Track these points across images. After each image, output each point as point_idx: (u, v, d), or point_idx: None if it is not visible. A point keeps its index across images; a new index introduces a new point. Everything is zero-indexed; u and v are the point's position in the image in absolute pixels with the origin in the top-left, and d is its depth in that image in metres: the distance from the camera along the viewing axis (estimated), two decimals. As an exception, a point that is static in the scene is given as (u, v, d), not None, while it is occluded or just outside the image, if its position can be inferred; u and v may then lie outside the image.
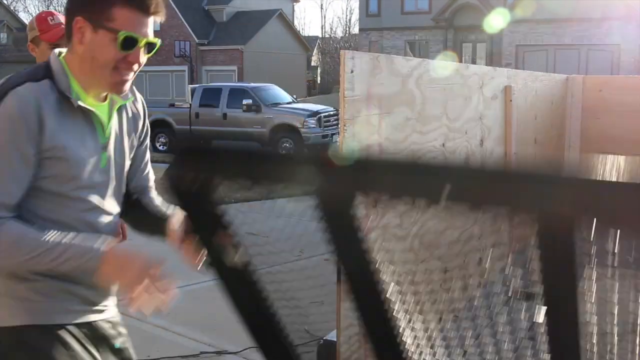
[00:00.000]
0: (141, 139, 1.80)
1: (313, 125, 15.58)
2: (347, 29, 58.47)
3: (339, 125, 2.10)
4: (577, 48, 25.02)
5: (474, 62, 28.03)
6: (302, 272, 5.28)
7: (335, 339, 2.21)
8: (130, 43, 1.53)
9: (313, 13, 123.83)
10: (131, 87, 1.69)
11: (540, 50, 25.87)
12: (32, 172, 1.51)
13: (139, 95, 1.79)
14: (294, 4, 50.14)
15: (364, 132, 2.22)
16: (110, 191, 1.67)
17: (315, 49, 52.82)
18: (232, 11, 41.68)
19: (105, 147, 1.64)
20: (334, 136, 16.15)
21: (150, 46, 1.59)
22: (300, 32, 47.85)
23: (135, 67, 1.58)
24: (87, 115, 1.60)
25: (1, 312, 1.59)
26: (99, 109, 1.62)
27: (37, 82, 1.53)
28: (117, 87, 1.60)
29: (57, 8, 70.63)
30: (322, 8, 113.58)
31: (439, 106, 2.90)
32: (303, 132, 15.49)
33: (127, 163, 1.74)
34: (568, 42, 25.21)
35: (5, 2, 52.83)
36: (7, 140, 1.49)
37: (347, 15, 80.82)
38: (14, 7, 56.43)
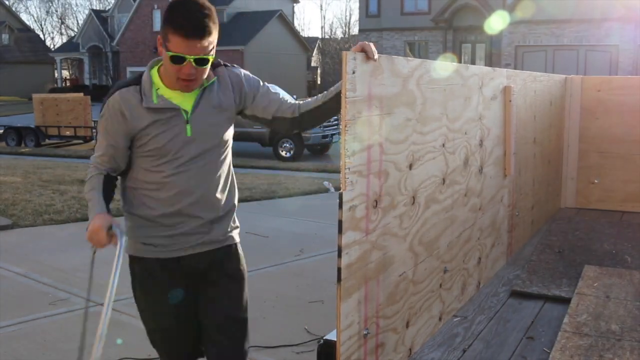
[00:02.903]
0: (243, 95, 2.30)
1: (313, 126, 15.59)
2: (347, 29, 58.52)
3: (340, 126, 2.11)
4: (575, 49, 25.04)
5: (473, 62, 28.07)
6: (302, 272, 5.29)
7: (335, 339, 2.22)
8: (178, 60, 2.07)
9: (313, 14, 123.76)
10: (216, 71, 2.25)
11: (539, 50, 25.89)
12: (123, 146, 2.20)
13: (232, 70, 2.31)
14: (294, 4, 50.15)
15: (365, 132, 2.23)
16: (199, 152, 2.20)
17: (315, 50, 52.84)
18: (232, 12, 41.68)
19: (189, 122, 2.18)
20: (334, 136, 16.17)
21: (201, 61, 2.09)
22: (300, 33, 47.85)
23: (192, 76, 2.10)
24: (170, 105, 2.17)
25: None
26: (181, 98, 2.18)
27: (127, 87, 2.17)
28: (183, 89, 2.17)
29: (57, 9, 70.48)
30: (321, 9, 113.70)
31: (439, 107, 2.91)
32: (303, 133, 15.51)
33: (221, 123, 2.25)
34: (567, 43, 25.23)
35: (7, 3, 52.81)
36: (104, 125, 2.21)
37: (346, 16, 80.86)
38: (16, 8, 56.42)
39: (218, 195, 2.28)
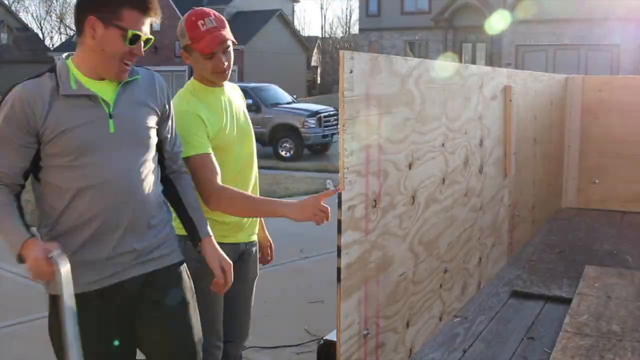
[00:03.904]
0: (161, 108, 2.07)
1: (313, 125, 15.58)
2: (347, 29, 58.50)
3: (339, 125, 2.10)
4: (576, 48, 25.03)
5: (473, 62, 28.06)
6: (302, 272, 5.29)
7: (335, 339, 2.21)
8: (135, 39, 1.89)
9: (313, 13, 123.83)
10: (139, 68, 2.04)
11: (540, 50, 25.88)
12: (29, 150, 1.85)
13: (156, 74, 2.10)
14: (294, 4, 50.13)
15: (363, 132, 2.22)
16: (122, 146, 1.92)
17: (315, 49, 52.83)
18: (232, 11, 41.66)
19: (112, 116, 1.91)
20: (333, 136, 16.16)
21: (146, 41, 1.95)
22: (300, 32, 47.85)
23: (135, 58, 1.93)
24: (90, 96, 1.89)
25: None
26: (102, 88, 1.91)
27: (36, 78, 1.87)
28: (120, 75, 1.93)
29: (58, 8, 70.62)
30: (322, 8, 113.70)
31: (439, 106, 2.90)
32: (303, 132, 15.49)
33: (148, 122, 2.00)
34: (567, 43, 25.22)
35: (5, 2, 52.82)
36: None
37: (347, 16, 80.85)
38: (15, 8, 56.42)
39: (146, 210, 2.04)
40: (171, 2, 40.39)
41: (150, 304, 2.01)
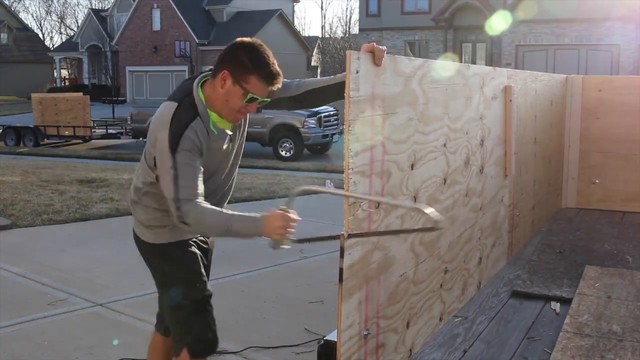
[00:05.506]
0: (246, 124, 2.56)
1: (313, 125, 15.58)
2: (347, 29, 58.49)
3: (343, 126, 2.10)
4: (576, 48, 25.02)
5: (473, 62, 28.04)
6: (302, 272, 5.28)
7: (335, 339, 2.21)
8: (252, 100, 2.29)
9: (313, 13, 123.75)
10: None
11: (540, 50, 25.87)
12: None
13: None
14: (294, 4, 50.12)
15: (368, 132, 2.22)
16: (232, 166, 2.54)
17: (315, 49, 52.82)
18: (232, 11, 41.65)
19: (231, 140, 2.43)
20: (334, 136, 16.15)
21: (261, 102, 2.35)
22: (301, 32, 47.83)
23: (248, 113, 2.36)
24: (225, 134, 2.39)
25: (150, 236, 2.49)
26: (226, 124, 2.39)
27: (194, 120, 2.28)
28: (235, 121, 2.40)
29: (57, 9, 70.42)
30: (322, 8, 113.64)
31: (441, 106, 2.90)
32: (303, 132, 15.49)
33: (242, 148, 2.58)
34: (568, 42, 25.21)
35: (5, 2, 52.79)
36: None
37: (347, 16, 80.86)
38: (15, 8, 56.39)
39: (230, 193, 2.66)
40: (171, 2, 40.36)
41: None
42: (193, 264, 2.51)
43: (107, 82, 44.03)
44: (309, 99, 2.53)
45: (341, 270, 2.12)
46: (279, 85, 2.33)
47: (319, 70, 53.09)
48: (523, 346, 2.97)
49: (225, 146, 2.41)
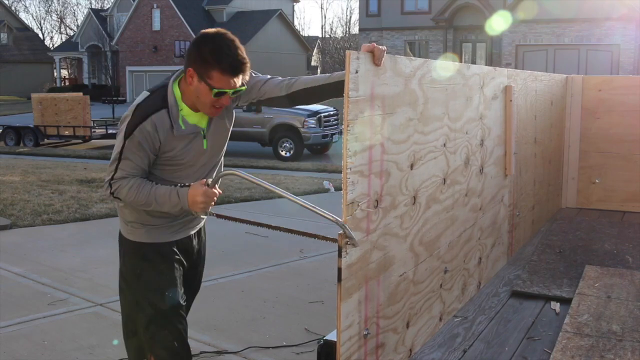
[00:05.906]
0: (232, 117, 2.54)
1: (313, 125, 15.57)
2: (347, 29, 58.49)
3: (342, 126, 2.10)
4: (576, 48, 25.03)
5: (473, 62, 28.05)
6: (302, 272, 5.29)
7: (335, 339, 2.21)
8: (220, 94, 2.28)
9: (313, 13, 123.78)
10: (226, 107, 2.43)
11: (540, 50, 25.88)
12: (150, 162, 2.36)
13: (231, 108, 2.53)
14: (294, 4, 50.12)
15: (367, 132, 2.22)
16: (209, 159, 2.48)
17: (315, 49, 52.83)
18: (232, 11, 41.65)
19: (205, 136, 2.42)
20: (334, 136, 16.15)
21: (237, 91, 2.32)
22: (300, 32, 47.82)
23: (225, 105, 2.34)
24: (195, 130, 2.39)
25: (129, 232, 2.49)
26: (200, 119, 2.40)
27: (157, 112, 2.30)
28: (213, 114, 2.39)
29: (57, 8, 70.43)
30: (322, 8, 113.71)
31: (441, 106, 2.90)
32: (303, 132, 15.48)
33: (224, 141, 2.54)
34: (568, 42, 25.22)
35: (6, 2, 52.78)
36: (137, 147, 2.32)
37: (347, 15, 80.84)
38: (15, 7, 56.38)
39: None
40: (171, 2, 40.37)
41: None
42: (168, 271, 2.47)
43: (107, 82, 44.00)
44: (303, 97, 2.52)
45: (340, 270, 2.12)
46: (246, 73, 2.31)
47: (318, 70, 53.08)
48: (523, 346, 2.97)
49: (199, 142, 2.40)
